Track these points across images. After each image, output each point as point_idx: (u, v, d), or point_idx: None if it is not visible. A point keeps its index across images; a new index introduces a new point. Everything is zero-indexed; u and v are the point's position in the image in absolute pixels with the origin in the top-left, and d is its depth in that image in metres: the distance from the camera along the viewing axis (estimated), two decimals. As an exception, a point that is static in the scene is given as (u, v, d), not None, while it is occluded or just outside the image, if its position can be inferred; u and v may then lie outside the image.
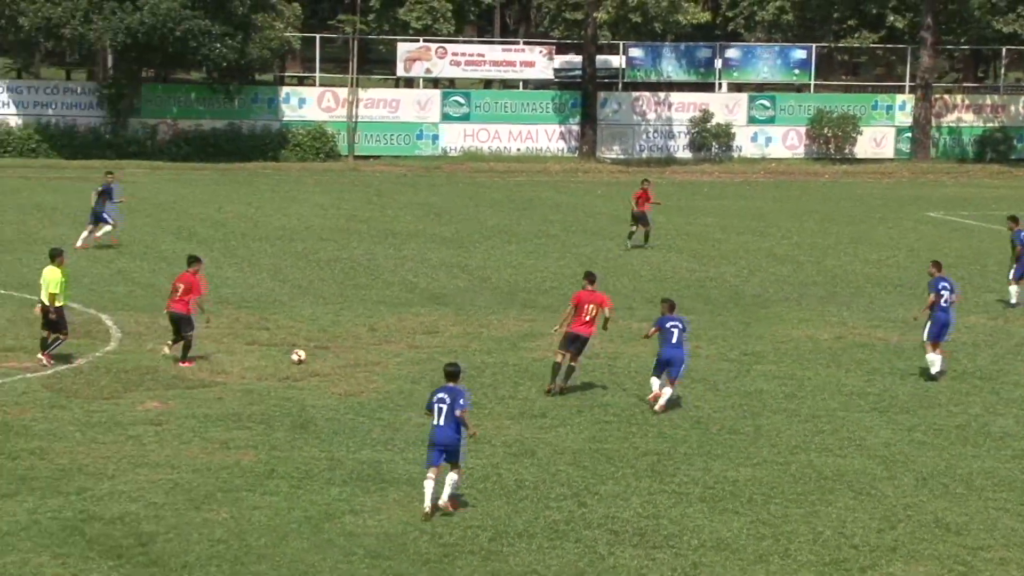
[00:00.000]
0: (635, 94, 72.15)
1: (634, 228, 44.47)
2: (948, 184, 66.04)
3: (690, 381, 27.67)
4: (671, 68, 72.99)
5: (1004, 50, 77.57)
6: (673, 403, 25.58)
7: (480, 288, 37.04)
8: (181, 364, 27.59)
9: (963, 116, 73.76)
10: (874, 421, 25.29)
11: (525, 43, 75.35)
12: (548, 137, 70.71)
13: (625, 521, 19.85)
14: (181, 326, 27.86)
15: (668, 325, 25.60)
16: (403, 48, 70.60)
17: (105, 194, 41.69)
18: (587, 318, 26.37)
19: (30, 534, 18.57)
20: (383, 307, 34.08)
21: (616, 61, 73.33)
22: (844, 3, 76.30)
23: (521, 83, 72.89)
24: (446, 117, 69.85)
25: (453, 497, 20.02)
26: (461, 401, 19.98)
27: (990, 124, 73.72)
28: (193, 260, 28.56)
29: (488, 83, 77.60)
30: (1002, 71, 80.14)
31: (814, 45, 74.28)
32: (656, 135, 71.84)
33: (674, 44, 74.69)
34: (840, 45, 76.84)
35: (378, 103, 69.42)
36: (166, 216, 48.70)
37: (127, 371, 27.17)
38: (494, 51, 73.13)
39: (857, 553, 18.87)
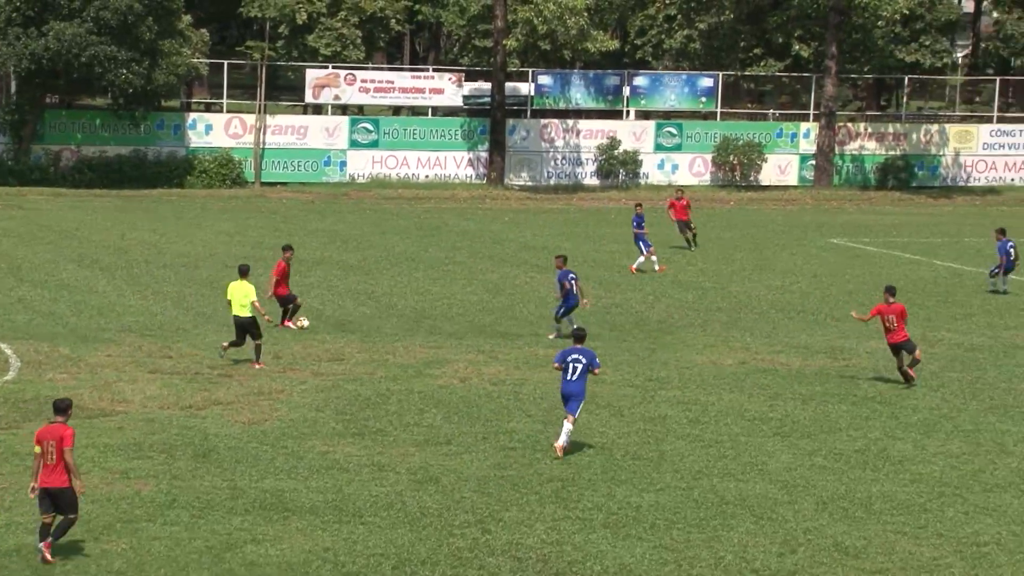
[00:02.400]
0: (543, 121, 72.43)
1: (686, 234, 50.78)
2: (850, 211, 66.79)
3: (595, 407, 27.79)
4: (579, 95, 73.35)
5: (906, 79, 78.68)
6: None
7: (386, 315, 36.99)
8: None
9: (865, 144, 74.67)
10: (776, 446, 25.51)
11: (434, 70, 75.42)
12: (456, 164, 70.81)
13: (529, 548, 19.88)
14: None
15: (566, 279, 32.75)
16: (311, 75, 70.46)
17: (638, 224, 46.15)
18: (892, 327, 30.28)
19: (-76, 566, 18.30)
20: (288, 334, 33.94)
21: (525, 88, 73.57)
22: (750, 32, 77.07)
23: (430, 110, 72.96)
24: (354, 144, 69.75)
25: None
26: (597, 361, 24.67)
27: (892, 152, 74.67)
28: (287, 248, 35.30)
29: (397, 110, 77.59)
30: (904, 100, 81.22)
31: (720, 73, 74.91)
32: (564, 162, 72.13)
33: (582, 72, 75.08)
34: (746, 73, 77.57)
35: (285, 130, 69.22)
36: (68, 243, 48.22)
37: (26, 400, 26.86)
38: (403, 78, 73.18)
39: (758, 578, 19.04)
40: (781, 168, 73.44)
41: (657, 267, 45.73)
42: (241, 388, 28.41)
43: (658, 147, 72.67)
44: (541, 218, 60.55)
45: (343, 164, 69.51)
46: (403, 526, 20.57)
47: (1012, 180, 75.39)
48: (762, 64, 76.61)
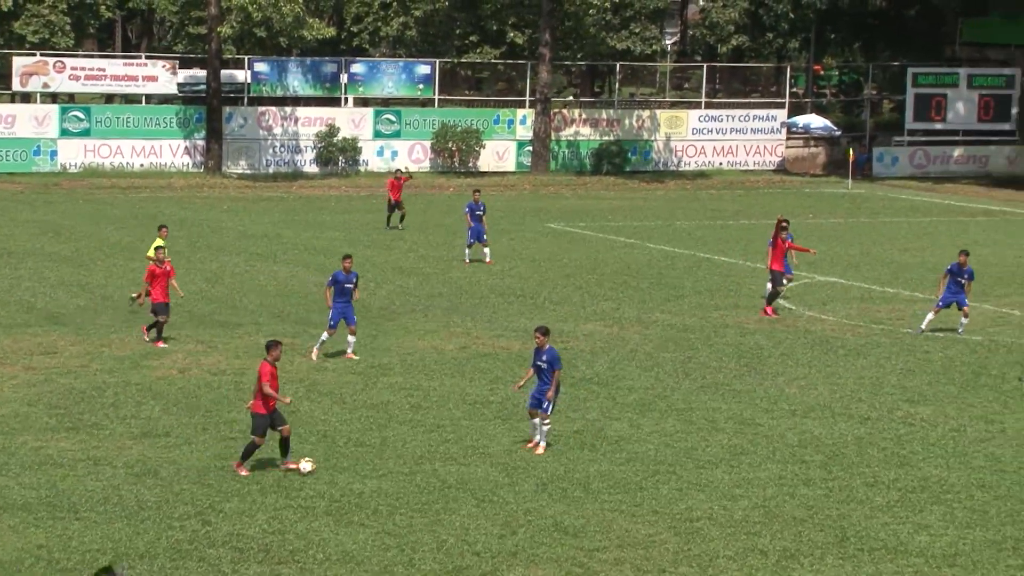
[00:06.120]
0: (261, 108, 71.71)
1: (390, 214, 52.93)
2: (567, 196, 67.86)
3: (317, 395, 27.73)
4: (297, 83, 72.85)
5: (618, 66, 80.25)
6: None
7: (101, 307, 36.21)
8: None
9: (580, 130, 75.92)
10: (497, 429, 25.81)
11: (147, 57, 74.01)
12: (172, 152, 69.63)
13: (250, 538, 19.72)
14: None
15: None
16: (18, 62, 68.37)
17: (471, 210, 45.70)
18: None
19: None
20: (-2, 328, 32.98)
21: (241, 75, 72.77)
22: (465, 19, 77.63)
23: (144, 98, 71.58)
24: (65, 133, 67.98)
25: None
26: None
27: (606, 137, 76.10)
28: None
29: (109, 98, 75.90)
30: (616, 86, 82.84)
31: (437, 60, 75.28)
32: (283, 150, 71.56)
33: (299, 59, 74.59)
34: (462, 60, 78.11)
35: (-8, 118, 67.08)
36: None
37: None
38: (115, 65, 71.59)
39: (479, 559, 19.24)
40: (499, 154, 74.19)
41: (486, 259, 45.12)
42: (-51, 385, 27.50)
43: (377, 134, 72.67)
44: (260, 206, 60.01)
45: (54, 153, 67.69)
46: (120, 520, 20.20)
47: (720, 164, 77.58)
48: (478, 51, 77.26)
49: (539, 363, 24.47)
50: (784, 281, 37.72)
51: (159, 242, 34.45)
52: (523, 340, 33.45)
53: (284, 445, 22.94)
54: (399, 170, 58.43)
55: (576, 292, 40.51)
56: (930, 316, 35.13)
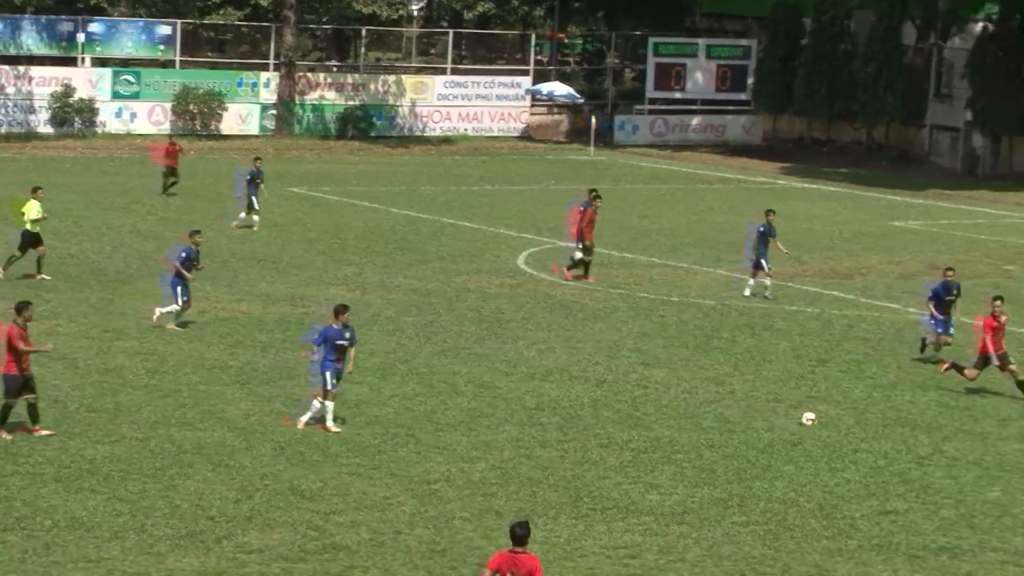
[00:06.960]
0: (-7, 67, 69.48)
1: (168, 181, 51.03)
2: (311, 160, 67.34)
3: (49, 360, 27.00)
4: (31, 41, 70.71)
5: (364, 30, 79.90)
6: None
7: None
8: None
9: (325, 94, 75.32)
10: (235, 393, 25.57)
11: None
12: (-103, 111, 67.09)
13: (-25, 507, 19.20)
14: None
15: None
16: None
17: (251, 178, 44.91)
18: None
19: None
20: None
21: (-28, 33, 70.39)
22: (207, -20, 76.39)
23: None
24: None
25: None
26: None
27: (351, 102, 75.67)
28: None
29: None
30: (363, 51, 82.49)
31: (179, 21, 73.89)
32: (16, 110, 69.36)
33: (34, 16, 72.41)
34: (205, 22, 76.83)
35: None
36: None
37: None
38: None
39: (214, 524, 19.04)
40: (242, 117, 73.18)
41: (237, 223, 44.41)
42: None
43: (115, 95, 70.98)
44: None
45: None
46: None
47: (465, 130, 77.82)
48: (221, 12, 76.09)
49: (343, 342, 23.86)
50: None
51: (36, 205, 35.42)
52: (264, 304, 33.20)
53: (32, 411, 22.63)
54: (172, 137, 56.63)
55: (319, 257, 40.29)
56: (752, 281, 36.29)
